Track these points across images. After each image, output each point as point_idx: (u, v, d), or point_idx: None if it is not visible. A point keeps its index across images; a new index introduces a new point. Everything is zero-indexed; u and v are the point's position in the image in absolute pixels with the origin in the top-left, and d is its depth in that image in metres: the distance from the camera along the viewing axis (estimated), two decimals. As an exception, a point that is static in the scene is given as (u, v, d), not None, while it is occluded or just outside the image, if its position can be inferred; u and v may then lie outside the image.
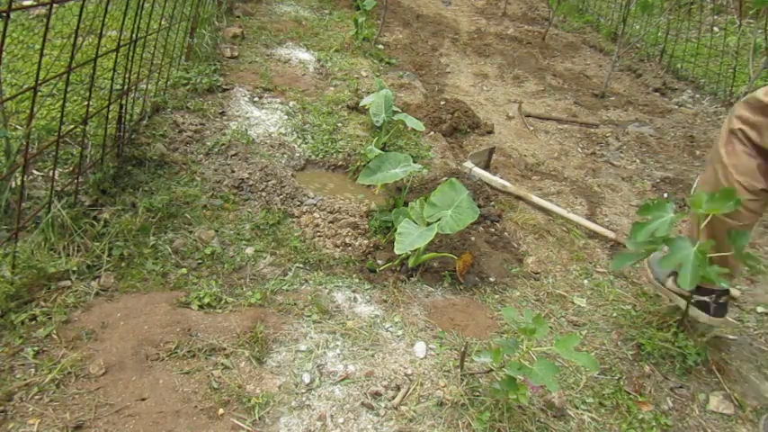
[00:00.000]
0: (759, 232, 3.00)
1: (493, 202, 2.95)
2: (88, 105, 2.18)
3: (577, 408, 1.84)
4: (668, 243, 1.82)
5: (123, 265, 2.10)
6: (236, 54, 4.10)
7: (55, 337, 1.75)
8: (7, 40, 2.18)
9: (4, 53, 1.57)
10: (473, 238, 2.62)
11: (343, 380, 1.79)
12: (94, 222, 2.17)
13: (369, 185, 2.79)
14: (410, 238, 2.17)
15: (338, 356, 1.88)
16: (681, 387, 1.98)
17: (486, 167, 3.33)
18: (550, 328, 2.17)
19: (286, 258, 2.33)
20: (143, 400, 1.60)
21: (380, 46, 5.08)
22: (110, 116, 2.47)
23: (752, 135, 1.80)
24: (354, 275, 2.32)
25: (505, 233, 2.76)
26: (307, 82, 3.98)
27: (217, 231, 2.38)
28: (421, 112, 3.84)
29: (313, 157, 3.15)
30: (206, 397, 1.65)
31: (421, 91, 4.30)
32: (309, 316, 2.03)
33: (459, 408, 1.74)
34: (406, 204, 2.61)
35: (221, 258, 2.25)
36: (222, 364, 1.76)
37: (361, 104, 3.57)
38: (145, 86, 3.02)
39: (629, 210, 3.14)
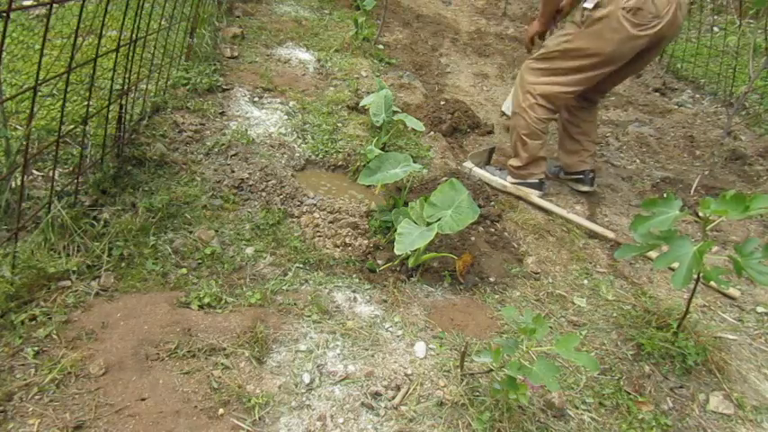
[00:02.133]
0: (759, 232, 3.00)
1: (493, 202, 2.95)
2: (88, 105, 2.18)
3: (577, 408, 1.84)
4: (668, 241, 1.82)
5: (123, 265, 2.10)
6: (236, 54, 4.10)
7: (55, 337, 1.75)
8: (7, 40, 2.18)
9: (4, 53, 1.57)
10: (473, 238, 2.62)
11: (343, 380, 1.79)
12: (94, 222, 2.17)
13: (369, 185, 2.79)
14: (410, 238, 2.17)
15: (338, 356, 1.88)
16: (681, 387, 1.98)
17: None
18: (550, 328, 2.17)
19: (286, 258, 2.33)
20: (143, 400, 1.60)
21: (380, 46, 5.08)
22: (110, 116, 2.47)
23: None
24: (354, 275, 2.32)
25: (505, 233, 2.76)
26: (307, 82, 3.98)
27: (217, 231, 2.38)
28: (421, 112, 3.84)
29: (313, 157, 3.15)
30: (206, 397, 1.65)
31: (421, 91, 4.30)
32: (309, 316, 2.03)
33: (459, 408, 1.74)
34: (406, 204, 2.60)
35: (221, 258, 2.25)
36: (222, 364, 1.76)
37: (361, 104, 3.57)
38: (145, 86, 3.02)
39: (629, 210, 3.15)
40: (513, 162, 3.10)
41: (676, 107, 4.73)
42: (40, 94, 2.78)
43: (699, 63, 5.25)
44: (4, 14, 1.51)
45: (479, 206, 2.66)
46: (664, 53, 5.59)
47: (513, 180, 3.11)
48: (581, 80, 2.79)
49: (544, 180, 3.11)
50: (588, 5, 2.61)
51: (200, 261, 2.21)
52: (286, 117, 3.43)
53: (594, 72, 2.76)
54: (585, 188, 3.19)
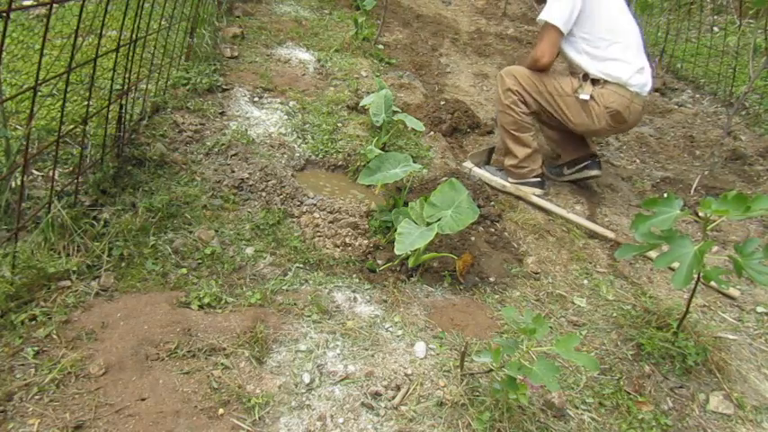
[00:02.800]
0: (759, 232, 3.00)
1: (493, 202, 2.95)
2: (88, 105, 2.18)
3: (577, 408, 1.84)
4: (668, 240, 1.82)
5: (123, 265, 2.10)
6: (236, 54, 4.10)
7: (55, 337, 1.75)
8: (7, 40, 2.18)
9: (4, 53, 1.58)
10: (473, 238, 2.62)
11: (343, 380, 1.79)
12: (94, 222, 2.17)
13: (369, 185, 2.79)
14: (410, 238, 2.17)
15: (338, 356, 1.88)
16: (681, 387, 1.98)
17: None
18: (550, 328, 2.17)
19: (286, 258, 2.33)
20: (143, 400, 1.60)
21: (380, 46, 5.08)
22: (110, 116, 2.47)
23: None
24: (354, 275, 2.32)
25: (505, 233, 2.76)
26: (307, 82, 3.98)
27: (217, 231, 2.38)
28: (421, 112, 3.84)
29: (313, 157, 3.15)
30: (206, 397, 1.65)
31: (421, 91, 4.30)
32: (309, 316, 2.03)
33: (459, 408, 1.74)
34: (406, 204, 2.60)
35: (221, 258, 2.25)
36: (222, 364, 1.76)
37: (361, 104, 3.57)
38: (145, 86, 3.02)
39: (629, 210, 3.15)
40: (509, 161, 3.12)
41: (676, 107, 4.73)
42: (40, 94, 2.78)
43: (699, 63, 5.25)
44: (4, 14, 1.51)
45: (479, 206, 2.67)
46: (664, 53, 5.61)
47: (514, 180, 3.12)
48: (550, 117, 3.10)
49: (544, 178, 3.13)
50: (584, 97, 2.92)
51: (200, 261, 2.21)
52: (286, 117, 3.43)
53: (563, 123, 3.09)
54: (595, 172, 3.17)
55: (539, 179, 3.09)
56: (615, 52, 2.86)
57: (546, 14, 2.87)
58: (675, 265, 1.78)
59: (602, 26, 2.87)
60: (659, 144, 4.04)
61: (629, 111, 2.88)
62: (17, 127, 2.58)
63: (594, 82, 2.92)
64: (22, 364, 1.65)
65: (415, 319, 2.12)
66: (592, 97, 2.89)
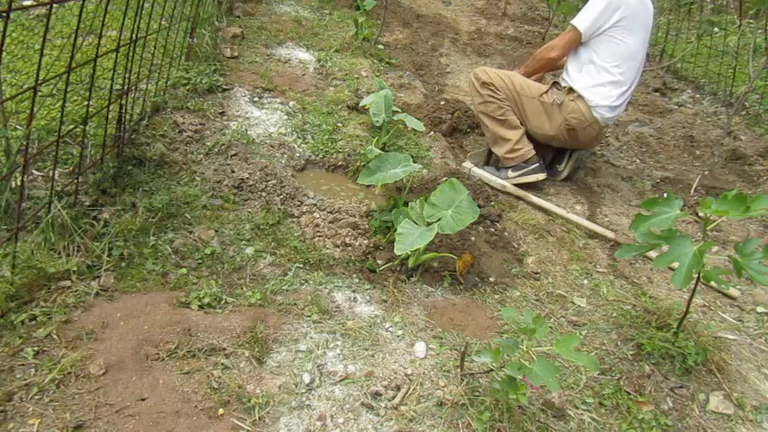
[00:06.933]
0: (759, 232, 3.00)
1: (493, 202, 2.95)
2: (88, 105, 2.18)
3: (577, 408, 1.84)
4: (668, 240, 1.82)
5: (123, 265, 2.10)
6: (236, 54, 4.10)
7: (55, 337, 1.75)
8: (7, 40, 2.18)
9: (4, 53, 1.58)
10: (473, 238, 2.62)
11: (343, 380, 1.79)
12: (94, 222, 2.17)
13: (369, 185, 2.79)
14: (410, 238, 2.17)
15: (338, 356, 1.88)
16: (681, 387, 1.98)
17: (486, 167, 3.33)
18: (550, 328, 2.17)
19: (286, 258, 2.33)
20: (143, 400, 1.60)
21: (380, 46, 5.08)
22: (110, 116, 2.47)
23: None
24: (354, 275, 2.32)
25: (505, 233, 2.76)
26: (307, 82, 3.98)
27: (217, 231, 2.38)
28: (421, 112, 3.84)
29: (313, 157, 3.15)
30: (206, 397, 1.65)
31: (421, 91, 4.30)
32: (309, 316, 2.03)
33: (459, 408, 1.74)
34: (406, 204, 2.60)
35: (221, 258, 2.25)
36: (222, 364, 1.76)
37: (361, 104, 3.57)
38: (145, 86, 3.02)
39: (629, 210, 3.14)
40: (504, 148, 3.16)
41: (676, 107, 4.73)
42: (40, 94, 2.78)
43: (699, 63, 5.25)
44: (4, 14, 1.51)
45: (479, 206, 2.66)
46: (663, 53, 5.61)
47: (514, 173, 3.15)
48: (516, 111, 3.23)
49: (540, 161, 3.18)
50: (558, 100, 3.08)
51: (200, 261, 2.21)
52: (286, 117, 3.43)
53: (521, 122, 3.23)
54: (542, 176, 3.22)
55: (537, 163, 3.14)
56: (608, 82, 2.99)
57: (575, 18, 3.02)
58: (675, 265, 1.78)
59: (618, 54, 2.96)
60: (659, 144, 4.04)
61: (584, 132, 3.08)
62: (17, 127, 2.58)
63: (570, 91, 3.06)
64: (22, 364, 1.65)
65: (415, 319, 2.12)
66: (561, 103, 3.05)
